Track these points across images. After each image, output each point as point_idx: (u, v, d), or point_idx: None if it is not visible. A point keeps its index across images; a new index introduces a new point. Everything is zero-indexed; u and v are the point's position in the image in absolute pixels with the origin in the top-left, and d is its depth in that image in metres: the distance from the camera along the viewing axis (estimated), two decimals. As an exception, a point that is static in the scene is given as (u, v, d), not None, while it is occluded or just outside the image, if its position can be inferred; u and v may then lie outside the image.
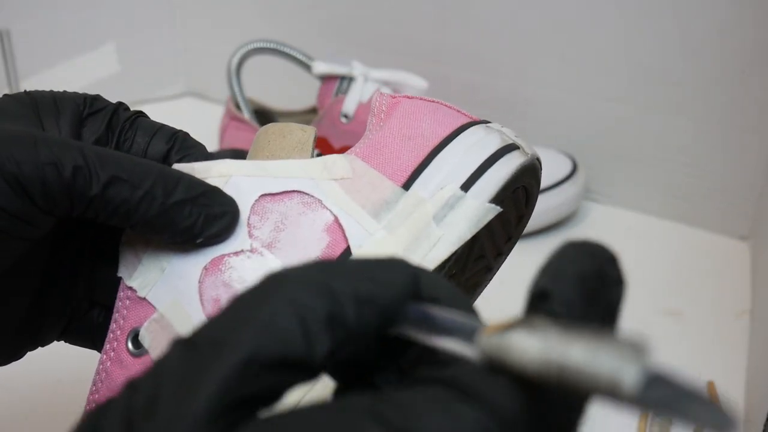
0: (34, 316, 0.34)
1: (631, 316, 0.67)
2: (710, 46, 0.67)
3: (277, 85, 0.80)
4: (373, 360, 0.22)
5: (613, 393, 0.16)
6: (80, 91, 0.37)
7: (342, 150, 0.70)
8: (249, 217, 0.34)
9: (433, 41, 0.78)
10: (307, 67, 0.72)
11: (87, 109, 0.34)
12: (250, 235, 0.34)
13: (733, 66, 0.67)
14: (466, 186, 0.34)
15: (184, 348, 0.20)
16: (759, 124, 0.68)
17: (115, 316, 0.34)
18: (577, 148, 0.74)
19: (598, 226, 0.74)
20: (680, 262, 0.69)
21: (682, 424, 0.15)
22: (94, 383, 0.34)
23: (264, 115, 0.76)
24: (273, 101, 0.78)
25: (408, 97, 0.38)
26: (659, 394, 0.15)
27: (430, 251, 0.33)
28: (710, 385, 0.55)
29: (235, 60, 0.72)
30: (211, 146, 0.74)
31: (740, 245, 0.71)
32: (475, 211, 0.34)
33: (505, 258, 0.42)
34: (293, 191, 0.34)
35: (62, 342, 0.37)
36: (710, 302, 0.64)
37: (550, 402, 0.19)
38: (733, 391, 0.55)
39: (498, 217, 0.36)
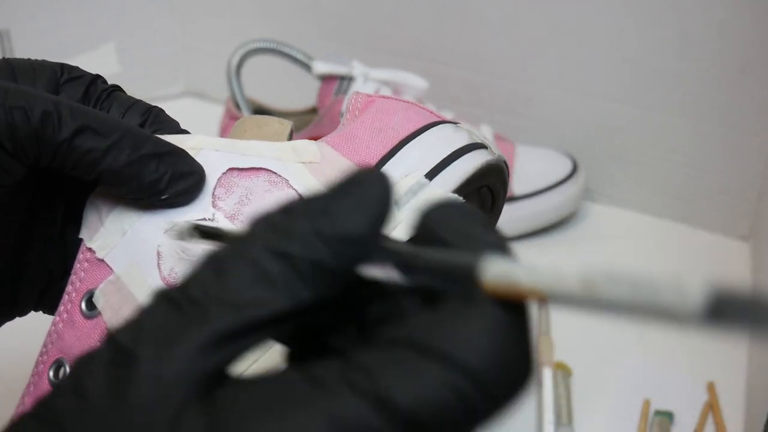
0: (10, 278, 0.34)
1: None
2: (710, 46, 0.67)
3: (277, 85, 0.80)
4: (332, 321, 0.22)
5: (679, 317, 0.16)
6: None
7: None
8: (215, 189, 0.34)
9: (432, 41, 0.78)
10: (307, 67, 0.72)
11: (65, 76, 0.35)
12: (214, 205, 0.34)
13: (733, 66, 0.67)
14: (430, 175, 0.35)
15: (167, 305, 0.20)
16: (759, 124, 0.68)
17: (72, 278, 0.34)
18: (577, 148, 0.74)
19: (598, 226, 0.74)
20: (680, 262, 0.69)
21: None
22: (45, 345, 0.34)
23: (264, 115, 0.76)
24: (273, 101, 0.78)
25: (383, 97, 0.39)
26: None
27: (389, 234, 0.34)
28: (710, 385, 0.55)
29: (235, 60, 0.72)
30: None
31: (740, 245, 0.71)
32: (438, 198, 0.34)
33: None
34: (261, 168, 0.35)
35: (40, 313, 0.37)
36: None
37: (514, 343, 0.19)
38: (733, 391, 0.55)
39: None
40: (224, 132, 0.74)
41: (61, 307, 0.34)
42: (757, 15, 0.65)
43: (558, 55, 0.73)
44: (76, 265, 0.34)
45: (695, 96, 0.69)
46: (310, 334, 0.22)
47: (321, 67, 0.70)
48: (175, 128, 0.36)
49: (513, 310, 0.19)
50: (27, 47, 0.79)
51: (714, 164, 0.71)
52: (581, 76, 0.73)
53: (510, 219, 0.69)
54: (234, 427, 0.18)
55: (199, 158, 0.34)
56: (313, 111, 0.74)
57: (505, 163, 0.39)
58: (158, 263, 0.33)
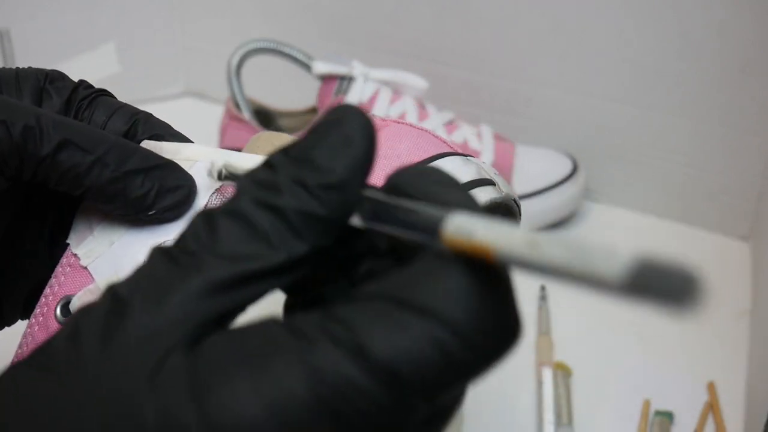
0: None
1: (632, 316, 0.68)
2: (710, 46, 0.67)
3: (277, 85, 0.80)
4: (327, 273, 0.22)
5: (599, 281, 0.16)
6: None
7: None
8: (206, 205, 0.33)
9: (432, 41, 0.78)
10: (307, 67, 0.72)
11: (47, 84, 0.34)
12: None
13: (733, 66, 0.67)
14: None
15: (162, 257, 0.20)
16: (759, 124, 0.68)
17: (52, 281, 0.34)
18: (577, 148, 0.74)
19: (598, 226, 0.74)
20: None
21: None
22: (20, 346, 0.34)
23: (264, 115, 0.76)
24: (273, 101, 0.78)
25: (397, 122, 0.38)
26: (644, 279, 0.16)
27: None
28: (710, 385, 0.55)
29: (235, 60, 0.72)
30: (212, 146, 0.74)
31: (740, 245, 0.71)
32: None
33: None
34: None
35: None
36: (710, 302, 0.64)
37: (494, 295, 0.19)
38: (733, 391, 0.55)
39: None
40: (224, 132, 0.74)
41: (37, 309, 0.34)
42: (757, 15, 0.65)
43: (558, 55, 0.73)
44: (58, 269, 0.34)
45: (695, 96, 0.69)
46: (307, 284, 0.23)
47: (321, 67, 0.70)
48: (170, 132, 0.35)
49: (484, 266, 0.19)
50: (27, 47, 0.79)
51: (714, 164, 0.71)
52: (581, 76, 0.73)
53: (510, 219, 0.69)
54: (212, 375, 0.18)
55: (193, 171, 0.33)
56: (313, 111, 0.74)
57: (515, 201, 0.37)
58: None
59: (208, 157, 0.34)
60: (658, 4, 0.68)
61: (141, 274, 0.20)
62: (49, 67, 0.36)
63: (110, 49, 0.87)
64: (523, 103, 0.76)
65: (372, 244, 0.22)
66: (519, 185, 0.70)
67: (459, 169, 0.36)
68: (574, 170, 0.72)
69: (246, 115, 0.73)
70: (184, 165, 0.33)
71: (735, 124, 0.69)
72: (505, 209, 0.37)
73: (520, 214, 0.38)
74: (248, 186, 0.21)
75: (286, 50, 0.72)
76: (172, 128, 0.35)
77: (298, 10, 0.83)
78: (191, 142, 0.35)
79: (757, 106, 0.67)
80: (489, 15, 0.75)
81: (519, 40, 0.74)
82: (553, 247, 0.17)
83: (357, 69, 0.70)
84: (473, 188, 0.35)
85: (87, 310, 0.20)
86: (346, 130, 0.21)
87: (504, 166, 0.70)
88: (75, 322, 0.20)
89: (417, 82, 0.70)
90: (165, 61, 0.91)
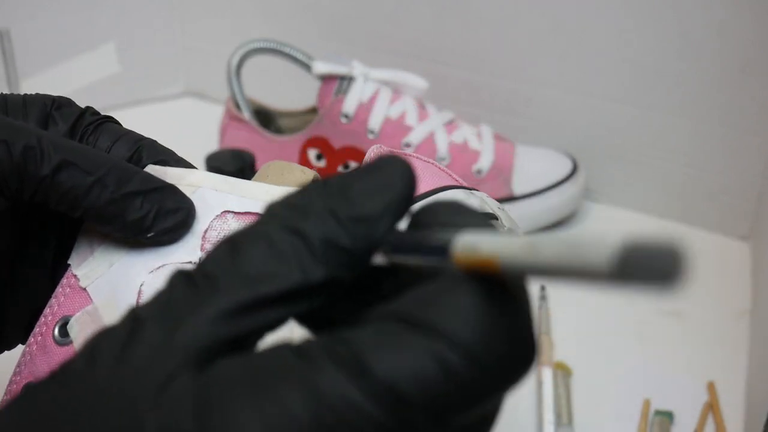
0: None
1: (631, 316, 0.68)
2: (710, 46, 0.67)
3: (277, 85, 0.80)
4: (350, 306, 0.22)
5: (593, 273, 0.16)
6: (80, 91, 0.37)
7: (342, 150, 0.70)
8: (207, 231, 0.33)
9: (432, 41, 0.78)
10: (307, 67, 0.72)
11: (53, 110, 0.34)
12: (202, 248, 0.33)
13: (733, 66, 0.67)
14: None
15: (182, 280, 0.20)
16: (759, 124, 0.68)
17: (51, 301, 0.34)
18: (577, 148, 0.74)
19: (598, 226, 0.74)
20: (680, 262, 0.69)
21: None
22: (19, 365, 0.34)
23: (264, 115, 0.76)
24: (273, 101, 0.78)
25: (405, 154, 0.38)
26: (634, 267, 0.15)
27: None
28: (710, 385, 0.55)
29: (235, 60, 0.72)
30: (211, 146, 0.74)
31: (740, 245, 0.71)
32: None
33: None
34: (257, 214, 0.34)
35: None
36: (710, 302, 0.64)
37: (507, 316, 0.18)
38: (733, 391, 0.55)
39: None
40: (224, 132, 0.74)
41: (36, 329, 0.33)
42: (757, 15, 0.65)
43: (558, 55, 0.73)
44: (58, 289, 0.34)
45: (695, 96, 0.69)
46: (328, 317, 0.22)
47: (321, 67, 0.70)
48: (174, 158, 0.35)
49: (497, 285, 0.19)
50: (27, 47, 0.79)
51: (714, 164, 0.71)
52: (581, 76, 0.73)
53: (510, 219, 0.69)
54: (218, 395, 0.18)
55: (195, 197, 0.33)
56: (313, 111, 0.74)
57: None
58: (138, 301, 0.32)
59: (212, 183, 0.34)
60: (658, 4, 0.68)
61: (160, 296, 0.20)
62: (49, 67, 0.35)
63: (110, 49, 0.87)
64: (523, 103, 0.76)
65: (396, 275, 0.22)
66: (519, 185, 0.70)
67: None
68: (574, 170, 0.72)
69: (246, 115, 0.73)
70: (188, 190, 0.33)
71: (735, 124, 0.69)
72: None
73: None
74: (279, 209, 0.21)
75: (286, 50, 0.72)
76: (176, 154, 0.35)
77: (298, 10, 0.83)
78: (195, 168, 0.35)
79: (757, 106, 0.67)
80: (489, 15, 0.75)
81: (519, 40, 0.74)
82: (549, 248, 0.17)
83: (357, 69, 0.70)
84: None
85: (107, 330, 0.20)
86: (386, 174, 0.21)
87: (504, 166, 0.70)
88: (94, 341, 0.20)
89: (417, 82, 0.70)
90: (165, 61, 0.91)
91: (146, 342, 0.19)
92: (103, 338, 0.20)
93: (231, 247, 0.20)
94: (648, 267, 0.15)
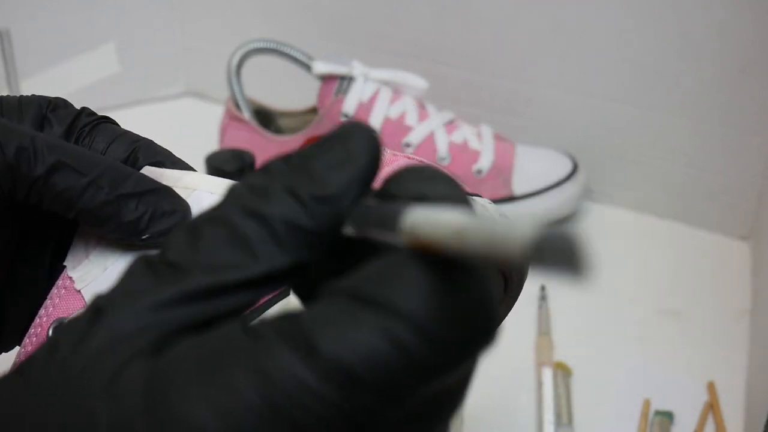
0: None
1: (632, 316, 0.68)
2: (710, 46, 0.67)
3: (277, 85, 0.80)
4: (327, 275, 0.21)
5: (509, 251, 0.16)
6: (80, 92, 0.37)
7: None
8: None
9: (432, 41, 0.78)
10: (307, 67, 0.72)
11: (49, 112, 0.34)
12: None
13: (733, 66, 0.67)
14: None
15: (142, 266, 0.20)
16: (759, 124, 0.68)
17: (47, 302, 0.34)
18: (577, 148, 0.74)
19: (598, 226, 0.74)
20: (680, 262, 0.69)
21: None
22: (14, 364, 0.34)
23: (264, 115, 0.76)
24: (273, 101, 0.78)
25: (407, 157, 0.37)
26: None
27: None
28: (710, 385, 0.55)
29: (235, 60, 0.72)
30: (211, 146, 0.74)
31: (740, 245, 0.71)
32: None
33: None
34: None
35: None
36: (710, 302, 0.64)
37: (460, 292, 0.18)
38: (733, 391, 0.55)
39: None
40: (224, 132, 0.74)
41: (31, 330, 0.33)
42: (757, 15, 0.65)
43: (558, 55, 0.73)
44: (53, 291, 0.34)
45: (695, 96, 0.69)
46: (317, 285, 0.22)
47: (321, 67, 0.70)
48: (170, 159, 0.35)
49: (448, 261, 0.18)
50: (27, 47, 0.79)
51: (714, 164, 0.71)
52: (581, 76, 0.73)
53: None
54: (169, 381, 0.18)
55: (191, 199, 0.33)
56: (313, 111, 0.74)
57: None
58: None
59: (208, 185, 0.34)
60: (658, 4, 0.68)
61: (121, 283, 0.20)
62: (49, 67, 0.35)
63: (110, 49, 0.87)
64: (523, 103, 0.76)
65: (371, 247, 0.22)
66: (519, 185, 0.70)
67: None
68: (574, 170, 0.72)
69: (246, 115, 0.73)
70: (184, 192, 0.33)
71: (735, 124, 0.69)
72: None
73: None
74: (239, 191, 0.20)
75: (286, 50, 0.72)
76: (174, 155, 0.35)
77: (298, 10, 0.83)
78: (193, 170, 0.35)
79: (757, 106, 0.67)
80: (489, 15, 0.75)
81: (519, 40, 0.74)
82: (474, 237, 0.16)
83: (357, 69, 0.70)
84: None
85: (71, 320, 0.20)
86: (350, 146, 0.20)
87: (504, 166, 0.70)
88: (57, 332, 0.20)
89: (417, 82, 0.70)
90: (165, 61, 0.91)
91: (103, 330, 0.19)
92: (65, 328, 0.20)
93: (192, 232, 0.20)
94: (554, 254, 0.15)
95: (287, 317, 0.18)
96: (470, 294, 0.18)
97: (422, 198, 0.20)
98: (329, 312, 0.18)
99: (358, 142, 0.20)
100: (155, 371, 0.18)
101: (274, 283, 0.20)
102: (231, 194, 0.21)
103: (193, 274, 0.19)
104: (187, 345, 0.19)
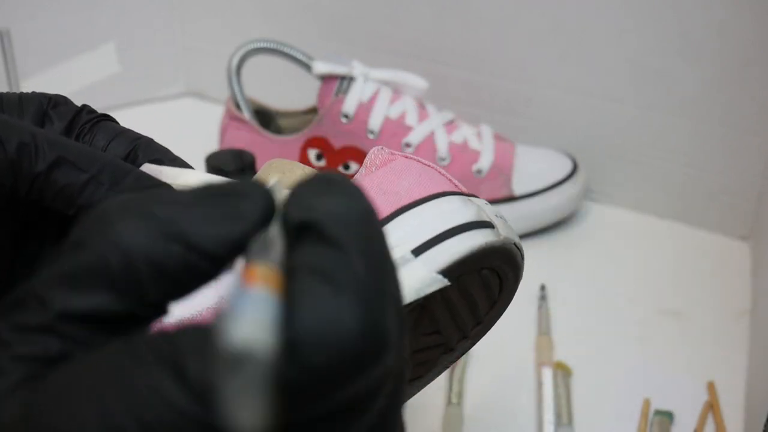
0: None
1: (632, 316, 0.68)
2: (710, 46, 0.67)
3: (277, 85, 0.80)
4: None
5: None
6: (80, 92, 0.37)
7: (342, 150, 0.70)
8: None
9: (432, 41, 0.78)
10: (307, 67, 0.72)
11: (50, 109, 0.34)
12: None
13: (733, 66, 0.67)
14: (418, 251, 0.33)
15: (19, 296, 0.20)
16: (759, 124, 0.68)
17: None
18: (577, 148, 0.74)
19: (598, 226, 0.74)
20: (680, 262, 0.69)
21: None
22: None
23: (264, 115, 0.76)
24: (273, 101, 0.78)
25: (406, 156, 0.37)
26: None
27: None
28: (710, 385, 0.55)
29: (235, 60, 0.72)
30: (211, 146, 0.74)
31: (740, 245, 0.71)
32: (419, 278, 0.33)
33: (473, 344, 0.40)
34: None
35: None
36: (710, 302, 0.64)
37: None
38: (733, 391, 0.55)
39: (463, 297, 0.35)
40: (224, 132, 0.74)
41: None
42: (757, 15, 0.65)
43: (558, 55, 0.73)
44: None
45: (695, 96, 0.70)
46: None
47: (321, 67, 0.70)
48: (169, 157, 0.35)
49: None
50: (27, 47, 0.79)
51: (714, 164, 0.71)
52: (581, 76, 0.73)
53: (510, 219, 0.69)
54: (46, 411, 0.18)
55: None
56: (313, 111, 0.74)
57: (516, 245, 0.36)
58: None
59: (206, 181, 0.34)
60: (658, 4, 0.68)
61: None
62: (49, 67, 0.35)
63: (110, 49, 0.87)
64: (523, 103, 0.76)
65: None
66: (519, 185, 0.70)
67: (457, 210, 0.34)
68: (574, 170, 0.72)
69: (246, 115, 0.73)
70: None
71: (735, 124, 0.69)
72: (503, 253, 0.35)
73: (522, 258, 0.37)
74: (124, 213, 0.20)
75: (286, 50, 0.72)
76: (172, 153, 0.35)
77: (298, 10, 0.83)
78: (191, 168, 0.35)
79: (757, 106, 0.67)
80: (489, 15, 0.75)
81: (519, 40, 0.74)
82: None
83: (357, 69, 0.70)
84: (468, 231, 0.34)
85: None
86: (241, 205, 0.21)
87: (504, 166, 0.70)
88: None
89: (417, 82, 0.70)
90: (165, 61, 0.91)
91: None
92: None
93: (58, 267, 0.20)
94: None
95: (163, 334, 0.18)
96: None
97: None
98: (198, 335, 0.18)
99: (248, 202, 0.21)
100: (31, 403, 0.18)
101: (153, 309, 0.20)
102: (105, 225, 0.21)
103: (50, 306, 0.19)
104: (68, 370, 0.19)
